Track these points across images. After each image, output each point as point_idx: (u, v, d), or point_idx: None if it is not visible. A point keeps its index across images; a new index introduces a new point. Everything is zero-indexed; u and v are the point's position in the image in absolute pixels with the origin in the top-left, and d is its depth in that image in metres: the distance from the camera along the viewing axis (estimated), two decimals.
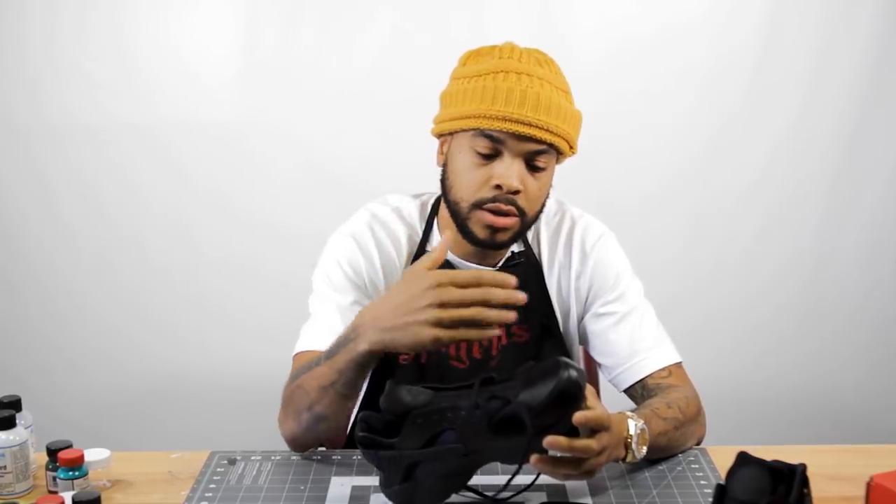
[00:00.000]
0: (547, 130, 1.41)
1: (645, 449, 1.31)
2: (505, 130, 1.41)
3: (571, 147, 1.48)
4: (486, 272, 1.23)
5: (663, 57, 2.67)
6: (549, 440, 1.14)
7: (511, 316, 1.20)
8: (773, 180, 2.75)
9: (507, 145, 1.42)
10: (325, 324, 1.48)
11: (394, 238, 1.55)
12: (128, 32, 2.64)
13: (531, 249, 1.58)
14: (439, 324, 1.19)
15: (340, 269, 1.52)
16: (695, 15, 2.67)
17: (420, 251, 1.56)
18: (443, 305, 1.19)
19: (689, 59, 2.68)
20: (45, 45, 2.63)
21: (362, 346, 1.26)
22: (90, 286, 2.73)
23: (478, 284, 1.19)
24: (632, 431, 1.28)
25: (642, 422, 1.30)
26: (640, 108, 2.69)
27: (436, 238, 1.56)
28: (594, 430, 1.18)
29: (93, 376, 2.75)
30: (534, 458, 1.17)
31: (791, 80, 2.69)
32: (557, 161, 1.50)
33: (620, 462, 1.31)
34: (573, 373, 1.14)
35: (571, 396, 1.14)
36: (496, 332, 1.21)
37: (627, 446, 1.28)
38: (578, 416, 1.15)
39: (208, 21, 2.65)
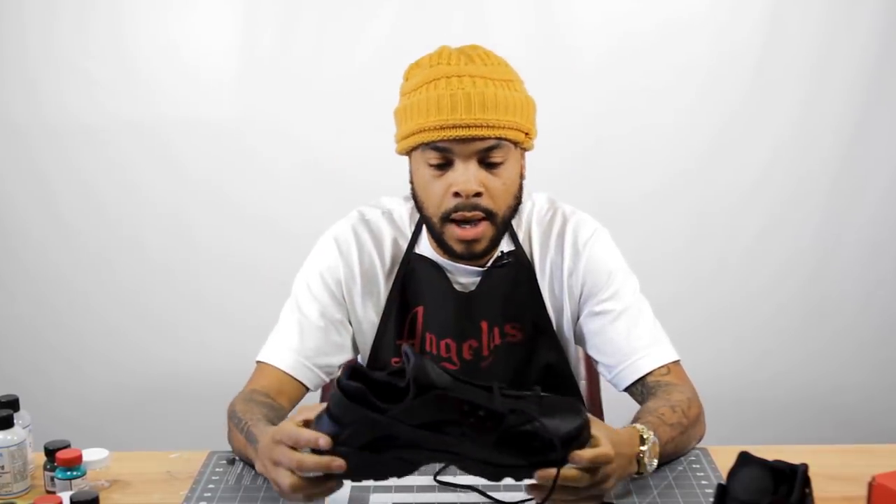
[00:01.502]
0: (487, 126, 1.41)
1: (656, 461, 1.29)
2: (445, 138, 1.41)
3: (527, 134, 1.47)
4: (309, 460, 1.13)
5: (664, 54, 2.66)
6: (540, 474, 1.13)
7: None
8: (775, 179, 2.74)
9: (454, 152, 1.42)
10: (285, 340, 1.53)
11: (378, 243, 1.56)
12: (127, 31, 2.64)
13: (521, 248, 1.56)
14: (276, 484, 1.18)
15: (320, 277, 1.55)
16: (696, 12, 2.66)
17: (408, 255, 1.56)
18: (276, 464, 1.16)
19: (691, 56, 2.67)
20: (44, 43, 2.62)
21: (257, 465, 1.26)
22: (89, 285, 2.73)
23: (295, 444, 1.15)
24: (645, 448, 1.26)
25: (653, 434, 1.29)
26: (641, 106, 2.69)
27: (424, 243, 1.56)
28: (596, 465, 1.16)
29: (91, 376, 2.75)
30: (537, 479, 1.14)
31: (793, 77, 2.68)
32: (523, 149, 1.50)
33: (635, 476, 1.29)
34: (589, 417, 1.16)
35: (586, 439, 1.15)
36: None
37: (640, 461, 1.27)
38: (584, 454, 1.13)
39: (207, 20, 2.65)
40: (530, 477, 1.14)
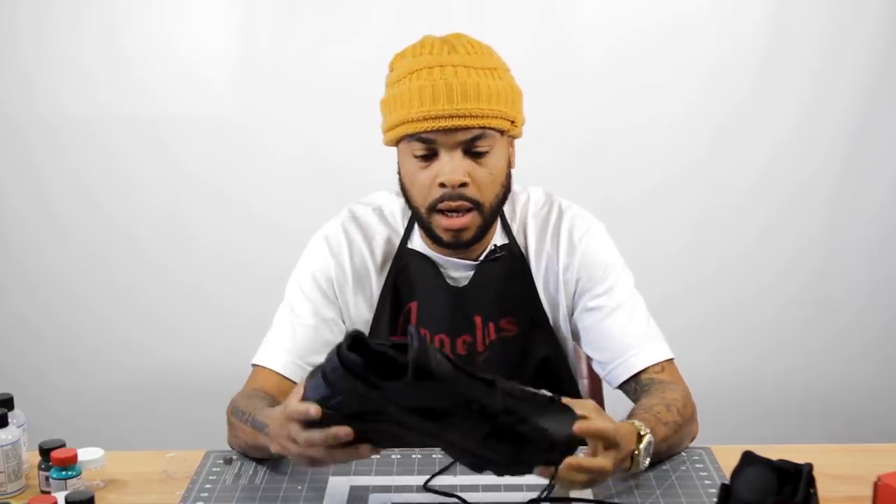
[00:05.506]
0: (470, 116, 1.41)
1: (649, 460, 1.28)
2: (429, 129, 1.40)
3: (513, 122, 1.47)
4: (317, 437, 1.14)
5: (667, 51, 2.65)
6: (539, 471, 1.13)
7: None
8: (779, 175, 2.73)
9: (438, 143, 1.43)
10: (280, 342, 1.53)
11: (369, 240, 1.56)
12: (123, 26, 2.62)
13: (515, 242, 1.56)
14: (302, 457, 1.19)
15: (311, 277, 1.55)
16: (699, 8, 2.65)
17: (401, 251, 1.56)
18: (294, 442, 1.17)
19: (694, 53, 2.66)
20: (39, 38, 2.61)
21: (273, 448, 1.26)
22: (84, 282, 2.72)
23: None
24: (642, 445, 1.25)
25: (651, 433, 1.27)
26: (644, 103, 2.67)
27: (417, 238, 1.56)
28: (606, 446, 1.16)
29: (86, 374, 2.74)
30: (536, 473, 1.15)
31: (797, 73, 2.67)
32: (511, 137, 1.49)
33: (624, 471, 1.28)
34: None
35: (577, 445, 1.15)
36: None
37: (634, 458, 1.25)
38: (580, 426, 1.13)
39: (205, 12, 2.63)
40: (511, 474, 1.15)
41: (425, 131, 1.41)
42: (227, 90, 2.66)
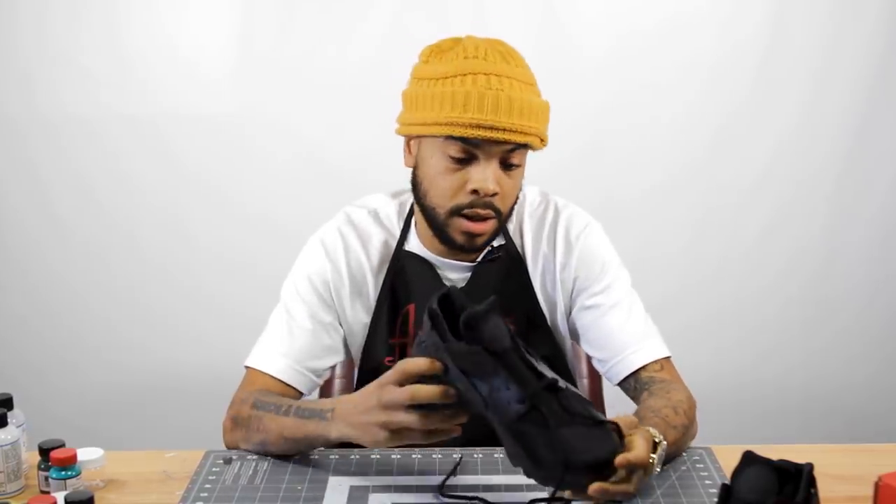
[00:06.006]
0: (521, 132, 1.40)
1: (660, 468, 1.25)
2: (480, 137, 1.39)
3: (542, 140, 1.47)
4: (423, 389, 1.16)
5: (668, 51, 2.65)
6: (595, 487, 1.07)
7: (454, 431, 1.19)
8: (779, 175, 2.73)
9: (481, 149, 1.41)
10: (276, 345, 1.52)
11: (365, 243, 1.56)
12: (122, 24, 2.62)
13: (512, 242, 1.56)
14: (387, 427, 1.20)
15: (308, 280, 1.55)
16: (699, 8, 2.65)
17: (397, 254, 1.55)
18: (387, 407, 1.19)
19: (694, 53, 2.66)
20: (38, 37, 2.61)
21: (333, 433, 1.29)
22: (83, 282, 2.72)
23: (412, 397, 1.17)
24: (656, 454, 1.21)
25: (663, 439, 1.24)
26: (644, 103, 2.68)
27: (413, 240, 1.56)
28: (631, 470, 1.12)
29: (86, 374, 2.74)
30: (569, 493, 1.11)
31: (797, 73, 2.67)
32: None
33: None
34: (618, 444, 1.10)
35: (609, 472, 1.09)
36: (449, 435, 1.20)
37: (649, 467, 1.22)
38: (620, 460, 1.08)
39: (204, 12, 2.63)
40: (537, 481, 1.11)
41: (475, 137, 1.40)
42: (227, 90, 2.66)
